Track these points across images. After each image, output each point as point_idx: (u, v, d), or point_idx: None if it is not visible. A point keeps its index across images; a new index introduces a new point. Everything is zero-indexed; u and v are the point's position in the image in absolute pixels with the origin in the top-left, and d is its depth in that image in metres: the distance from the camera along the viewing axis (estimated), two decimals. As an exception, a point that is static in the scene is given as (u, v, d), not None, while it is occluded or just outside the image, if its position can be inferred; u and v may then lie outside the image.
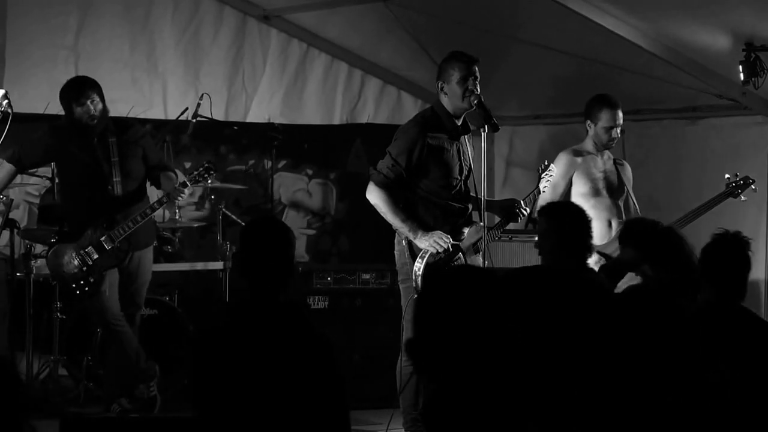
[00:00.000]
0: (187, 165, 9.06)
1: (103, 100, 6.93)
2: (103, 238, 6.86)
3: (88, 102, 6.83)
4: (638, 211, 7.13)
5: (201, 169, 6.98)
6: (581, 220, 5.47)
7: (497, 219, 6.76)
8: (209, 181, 7.26)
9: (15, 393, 3.13)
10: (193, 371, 4.18)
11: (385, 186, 6.42)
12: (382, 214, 6.46)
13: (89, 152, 6.94)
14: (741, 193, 6.93)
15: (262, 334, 3.94)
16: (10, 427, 3.07)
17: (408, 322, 6.15)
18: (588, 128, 7.11)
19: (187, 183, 6.90)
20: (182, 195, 6.95)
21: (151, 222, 7.19)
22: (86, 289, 6.88)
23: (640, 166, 8.25)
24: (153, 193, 7.58)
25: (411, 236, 6.33)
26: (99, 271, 6.91)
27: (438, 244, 6.29)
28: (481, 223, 6.42)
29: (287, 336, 3.94)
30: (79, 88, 6.89)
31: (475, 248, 6.43)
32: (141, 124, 7.67)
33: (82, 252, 6.91)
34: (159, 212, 8.62)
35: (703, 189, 7.23)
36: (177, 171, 7.47)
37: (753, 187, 6.97)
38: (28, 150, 7.09)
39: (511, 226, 6.81)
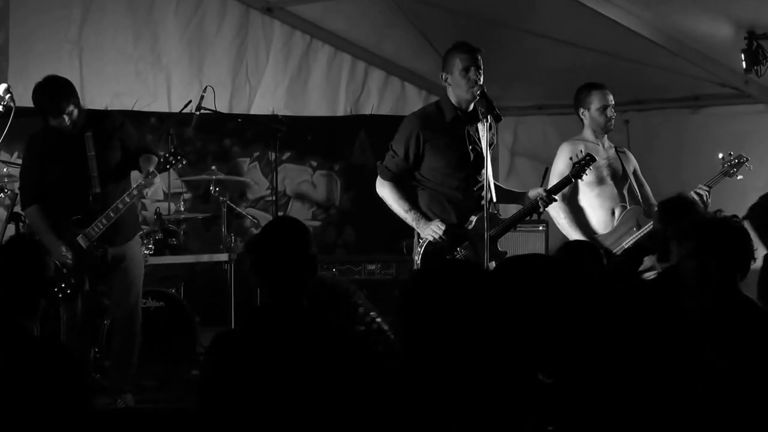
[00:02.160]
0: (192, 157, 9.09)
1: (78, 105, 6.64)
2: (78, 237, 6.62)
3: (64, 116, 6.52)
4: (646, 197, 7.12)
5: (168, 155, 6.69)
6: None
7: (510, 209, 6.78)
8: (179, 166, 6.90)
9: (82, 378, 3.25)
10: (205, 377, 4.10)
11: (390, 179, 6.52)
12: (389, 207, 6.54)
13: (66, 149, 6.67)
14: (737, 172, 6.92)
15: (281, 340, 3.82)
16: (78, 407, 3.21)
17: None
18: (583, 117, 7.06)
19: (156, 172, 6.60)
20: (151, 185, 6.66)
21: (131, 215, 6.91)
22: (68, 291, 6.63)
23: (644, 155, 8.24)
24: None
25: (415, 226, 6.41)
26: (79, 272, 6.65)
27: (435, 232, 6.33)
28: (494, 211, 6.44)
29: (310, 342, 3.82)
30: (54, 103, 6.52)
31: (489, 236, 6.36)
32: (118, 114, 7.40)
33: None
34: (164, 205, 8.69)
35: (707, 177, 7.22)
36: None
37: (748, 165, 6.96)
38: (31, 180, 6.86)
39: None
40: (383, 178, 6.55)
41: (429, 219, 6.40)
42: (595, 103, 7.01)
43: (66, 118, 6.52)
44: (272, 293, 3.98)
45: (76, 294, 6.66)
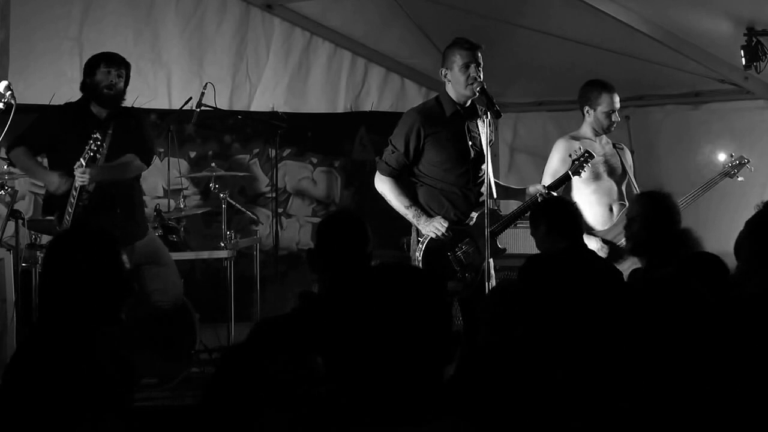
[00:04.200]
0: (192, 154, 9.10)
1: (126, 83, 6.98)
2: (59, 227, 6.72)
3: (114, 71, 6.87)
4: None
5: (90, 142, 6.64)
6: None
7: (511, 205, 6.79)
8: (100, 150, 6.78)
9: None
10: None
11: (389, 174, 6.53)
12: (389, 202, 6.54)
13: (85, 130, 6.74)
14: (737, 173, 6.93)
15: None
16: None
17: None
18: (586, 114, 7.06)
19: (81, 161, 6.63)
20: (79, 175, 6.65)
21: (136, 213, 7.16)
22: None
23: (644, 152, 8.29)
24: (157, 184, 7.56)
25: (415, 222, 6.42)
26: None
27: (437, 229, 6.34)
28: (494, 207, 6.45)
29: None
30: (113, 56, 6.95)
31: (491, 232, 6.35)
32: (141, 113, 7.63)
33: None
34: (164, 201, 8.69)
35: (707, 173, 7.24)
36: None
37: (749, 166, 6.97)
38: (35, 133, 7.00)
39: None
40: (382, 173, 6.55)
41: (429, 215, 6.41)
42: (602, 106, 6.99)
43: (114, 76, 6.86)
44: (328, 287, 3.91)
45: None
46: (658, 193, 5.70)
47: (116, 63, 6.90)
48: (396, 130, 6.55)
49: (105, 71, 6.87)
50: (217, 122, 9.24)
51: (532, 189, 6.59)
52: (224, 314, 8.25)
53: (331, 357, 3.35)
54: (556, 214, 5.77)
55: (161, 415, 5.49)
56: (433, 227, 6.35)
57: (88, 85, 6.92)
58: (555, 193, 6.55)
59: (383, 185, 6.56)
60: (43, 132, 6.98)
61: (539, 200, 6.47)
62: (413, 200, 6.46)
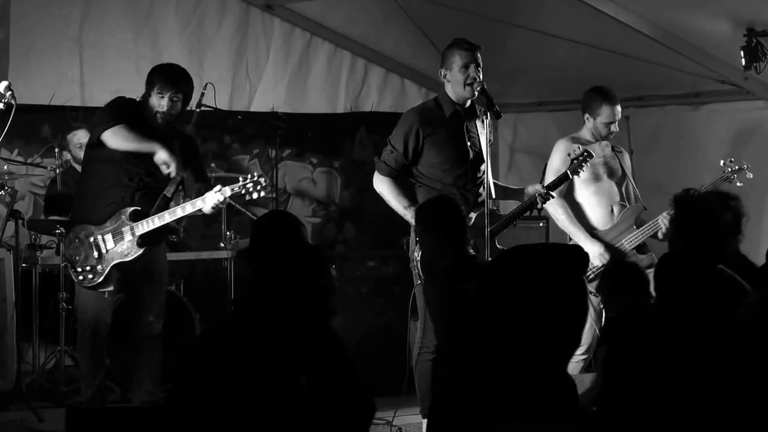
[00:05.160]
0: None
1: (186, 103, 6.54)
2: (124, 228, 6.35)
3: (167, 94, 6.37)
4: (639, 196, 7.13)
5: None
6: None
7: (510, 206, 6.78)
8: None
9: None
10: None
11: (388, 174, 6.51)
12: (387, 203, 6.53)
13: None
14: (736, 178, 6.94)
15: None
16: None
17: (421, 309, 6.16)
18: (586, 120, 7.07)
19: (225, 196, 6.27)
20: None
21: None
22: (91, 277, 6.37)
23: (644, 152, 8.29)
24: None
25: (414, 223, 6.37)
26: (109, 263, 6.36)
27: None
28: (493, 208, 6.45)
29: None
30: (168, 78, 6.39)
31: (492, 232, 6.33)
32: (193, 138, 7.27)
33: (99, 236, 6.39)
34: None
35: (706, 174, 7.24)
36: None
37: (747, 172, 6.98)
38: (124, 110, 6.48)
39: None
40: (381, 173, 6.54)
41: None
42: (602, 117, 6.99)
43: (169, 102, 6.35)
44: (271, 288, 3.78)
45: (95, 287, 6.41)
46: None
47: (172, 85, 6.37)
48: (395, 130, 6.54)
49: (158, 95, 6.39)
50: (217, 122, 9.24)
51: (531, 189, 6.59)
52: (224, 314, 8.26)
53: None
54: None
55: (159, 416, 5.49)
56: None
57: (141, 105, 6.48)
58: (553, 193, 6.54)
59: (382, 185, 6.54)
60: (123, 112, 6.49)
61: (538, 199, 6.47)
62: (412, 200, 6.43)
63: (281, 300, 3.68)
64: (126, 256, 6.38)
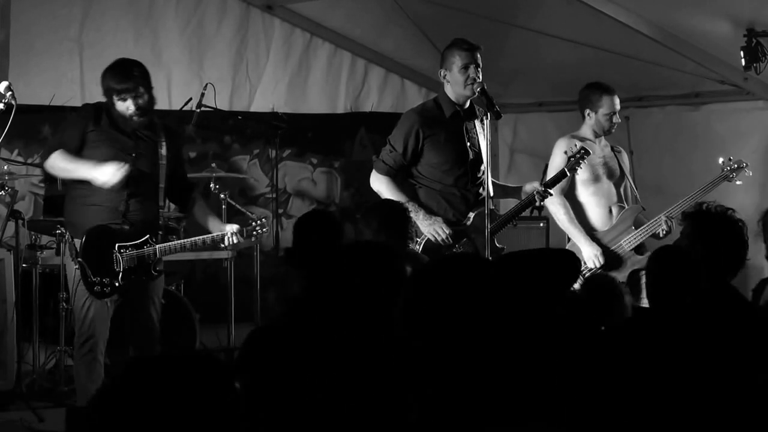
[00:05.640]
0: (192, 155, 9.09)
1: (149, 89, 6.14)
2: (149, 248, 6.13)
3: (129, 95, 6.04)
4: (638, 197, 7.13)
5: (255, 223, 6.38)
6: None
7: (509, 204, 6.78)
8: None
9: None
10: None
11: (386, 173, 6.51)
12: (385, 199, 6.53)
13: (137, 146, 6.19)
14: (735, 177, 6.94)
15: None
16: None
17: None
18: (587, 117, 7.04)
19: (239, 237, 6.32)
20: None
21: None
22: (108, 290, 6.09)
23: (644, 153, 8.29)
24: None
25: (413, 217, 6.31)
26: (126, 280, 6.13)
27: (437, 233, 6.32)
28: (492, 207, 6.44)
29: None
30: (123, 77, 6.06)
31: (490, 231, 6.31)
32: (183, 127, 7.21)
33: (123, 250, 6.11)
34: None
35: (706, 174, 7.24)
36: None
37: (747, 171, 6.98)
38: (68, 135, 6.23)
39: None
40: (379, 172, 6.53)
41: (428, 211, 6.37)
42: (603, 108, 6.98)
43: (133, 101, 6.03)
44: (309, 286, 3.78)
45: (105, 298, 6.13)
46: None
47: (127, 86, 6.04)
48: (395, 130, 6.53)
49: (121, 101, 6.07)
50: (217, 123, 9.24)
51: (529, 187, 6.58)
52: (224, 314, 8.27)
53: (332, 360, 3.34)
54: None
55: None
56: (433, 230, 6.32)
57: (110, 113, 6.17)
58: (551, 191, 6.53)
59: (380, 183, 6.53)
60: (75, 134, 6.23)
61: (536, 197, 6.46)
62: (410, 196, 6.42)
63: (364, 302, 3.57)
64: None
